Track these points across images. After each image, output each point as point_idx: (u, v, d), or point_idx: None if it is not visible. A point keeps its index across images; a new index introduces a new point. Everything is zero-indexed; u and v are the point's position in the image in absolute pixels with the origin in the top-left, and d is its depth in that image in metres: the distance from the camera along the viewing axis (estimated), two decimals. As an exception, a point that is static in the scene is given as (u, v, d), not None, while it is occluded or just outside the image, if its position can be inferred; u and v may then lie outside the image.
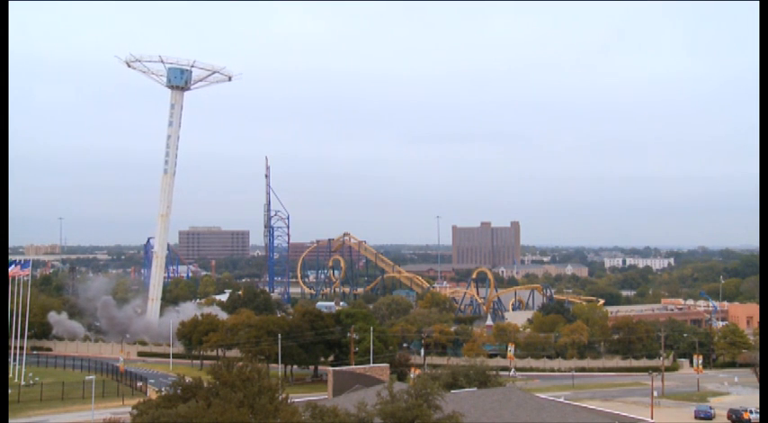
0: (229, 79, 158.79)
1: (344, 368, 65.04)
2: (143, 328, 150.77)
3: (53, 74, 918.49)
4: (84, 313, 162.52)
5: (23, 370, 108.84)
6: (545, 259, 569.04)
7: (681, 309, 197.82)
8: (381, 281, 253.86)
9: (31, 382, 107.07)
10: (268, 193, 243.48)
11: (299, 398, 51.45)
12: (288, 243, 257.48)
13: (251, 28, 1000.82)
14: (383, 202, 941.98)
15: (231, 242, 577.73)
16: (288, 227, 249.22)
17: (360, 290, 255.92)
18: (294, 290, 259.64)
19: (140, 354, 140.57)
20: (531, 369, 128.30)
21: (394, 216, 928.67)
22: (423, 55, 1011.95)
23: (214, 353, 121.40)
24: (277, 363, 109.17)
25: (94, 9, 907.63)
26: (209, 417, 37.08)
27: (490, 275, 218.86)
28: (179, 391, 43.91)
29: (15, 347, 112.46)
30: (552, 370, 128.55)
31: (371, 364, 78.20)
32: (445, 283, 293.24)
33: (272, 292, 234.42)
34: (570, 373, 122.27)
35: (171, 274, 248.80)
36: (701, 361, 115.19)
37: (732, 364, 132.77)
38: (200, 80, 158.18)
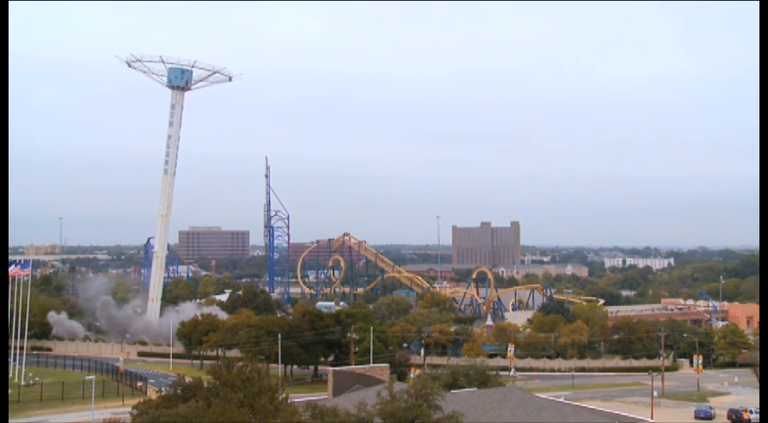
0: (230, 79, 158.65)
1: (344, 368, 65.06)
2: (143, 328, 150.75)
3: (53, 74, 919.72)
4: (84, 313, 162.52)
5: (23, 370, 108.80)
6: (545, 259, 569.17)
7: (681, 309, 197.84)
8: (381, 281, 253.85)
9: (31, 382, 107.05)
10: (268, 193, 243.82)
11: (299, 398, 51.48)
12: (288, 243, 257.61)
13: (251, 28, 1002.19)
14: (383, 202, 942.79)
15: (231, 242, 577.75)
16: (288, 227, 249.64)
17: (360, 290, 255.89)
18: (294, 290, 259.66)
19: (140, 354, 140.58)
20: (531, 369, 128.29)
21: (394, 216, 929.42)
22: (423, 55, 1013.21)
23: (214, 353, 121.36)
24: (277, 363, 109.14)
25: (94, 9, 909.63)
26: (209, 417, 37.09)
27: (490, 275, 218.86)
28: (179, 391, 43.93)
29: (15, 347, 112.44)
30: (552, 370, 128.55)
31: (371, 364, 78.20)
32: (445, 283, 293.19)
33: (272, 292, 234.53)
34: (570, 373, 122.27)
35: (171, 274, 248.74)
36: (700, 361, 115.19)
37: (732, 364, 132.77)
38: (201, 80, 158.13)
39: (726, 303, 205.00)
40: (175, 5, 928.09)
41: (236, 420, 37.59)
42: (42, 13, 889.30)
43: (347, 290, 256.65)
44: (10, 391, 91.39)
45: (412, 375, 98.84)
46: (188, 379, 45.53)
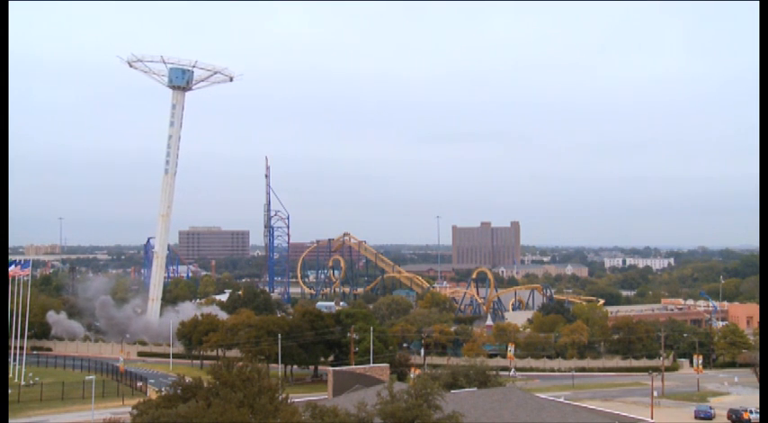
0: (231, 79, 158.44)
1: (344, 368, 65.05)
2: (143, 328, 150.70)
3: (53, 74, 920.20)
4: (84, 313, 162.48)
5: (23, 370, 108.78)
6: (545, 259, 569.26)
7: (681, 309, 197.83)
8: (381, 281, 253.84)
9: (31, 382, 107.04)
10: (268, 193, 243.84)
11: (299, 398, 51.49)
12: (288, 243, 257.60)
13: (251, 28, 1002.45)
14: (383, 202, 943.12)
15: (231, 242, 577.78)
16: (288, 227, 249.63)
17: (360, 290, 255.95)
18: (294, 290, 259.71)
19: (140, 354, 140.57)
20: (531, 369, 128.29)
21: (394, 216, 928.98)
22: (423, 55, 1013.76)
23: (214, 353, 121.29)
24: (277, 363, 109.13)
25: (94, 9, 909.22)
26: (209, 417, 37.09)
27: (490, 275, 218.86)
28: (179, 391, 43.92)
29: (15, 347, 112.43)
30: (552, 370, 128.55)
31: (371, 364, 78.18)
32: (445, 283, 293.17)
33: (272, 292, 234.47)
34: (570, 373, 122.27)
35: (171, 274, 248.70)
36: (700, 361, 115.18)
37: (732, 364, 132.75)
38: (202, 80, 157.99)
39: (726, 303, 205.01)
40: (176, 5, 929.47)
41: (236, 420, 37.59)
42: (42, 13, 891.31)
43: (347, 290, 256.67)
44: (10, 391, 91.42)
45: (412, 375, 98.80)
46: (188, 379, 45.51)
